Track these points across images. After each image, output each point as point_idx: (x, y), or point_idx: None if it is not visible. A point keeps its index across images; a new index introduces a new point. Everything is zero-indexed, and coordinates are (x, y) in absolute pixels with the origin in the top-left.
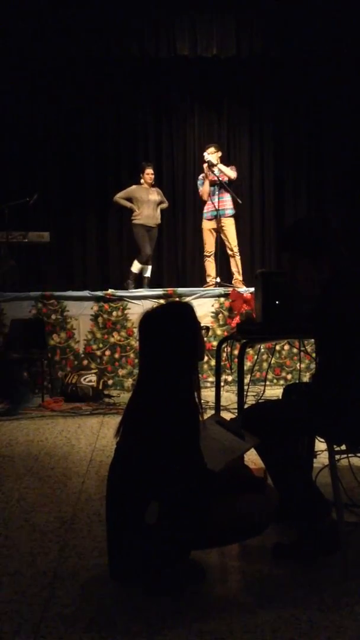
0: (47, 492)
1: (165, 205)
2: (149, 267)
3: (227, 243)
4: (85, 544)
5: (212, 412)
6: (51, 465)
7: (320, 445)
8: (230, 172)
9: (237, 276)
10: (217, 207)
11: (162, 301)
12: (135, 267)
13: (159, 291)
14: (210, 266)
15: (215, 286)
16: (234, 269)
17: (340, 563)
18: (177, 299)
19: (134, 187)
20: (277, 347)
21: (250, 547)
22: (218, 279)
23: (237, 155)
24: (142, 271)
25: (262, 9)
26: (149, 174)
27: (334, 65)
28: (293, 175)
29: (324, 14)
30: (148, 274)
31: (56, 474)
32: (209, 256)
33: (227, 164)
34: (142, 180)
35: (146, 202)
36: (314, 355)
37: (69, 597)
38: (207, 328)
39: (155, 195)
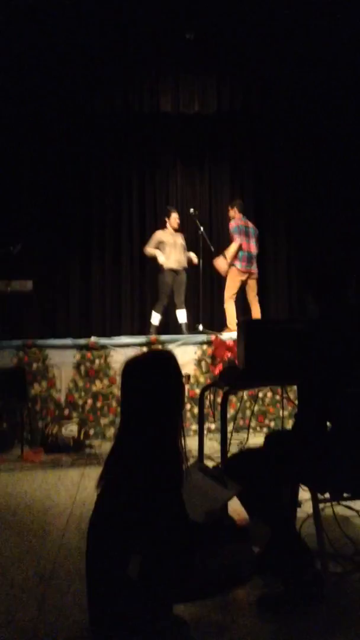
0: (26, 547)
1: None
2: (184, 312)
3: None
4: (65, 600)
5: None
6: (30, 518)
7: (304, 494)
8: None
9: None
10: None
11: (145, 349)
12: (155, 318)
13: (141, 338)
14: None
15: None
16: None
17: (325, 615)
18: (160, 346)
19: (159, 232)
20: (260, 395)
21: (234, 599)
22: (201, 326)
23: (219, 209)
24: (173, 318)
25: (242, 67)
26: (175, 218)
27: (314, 121)
28: (273, 229)
29: (305, 71)
30: (184, 319)
31: (35, 528)
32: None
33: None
34: (167, 225)
35: (173, 245)
36: (296, 402)
37: None
38: (188, 376)
39: (181, 238)
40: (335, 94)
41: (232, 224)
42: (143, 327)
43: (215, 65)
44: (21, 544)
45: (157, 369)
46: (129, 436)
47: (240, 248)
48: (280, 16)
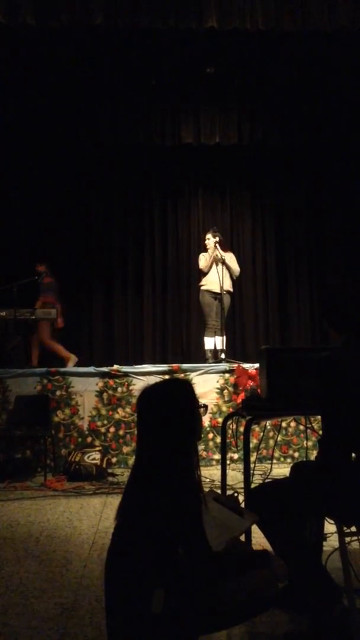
0: (48, 577)
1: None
2: (220, 338)
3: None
4: (87, 632)
5: (218, 491)
6: (52, 548)
7: (329, 527)
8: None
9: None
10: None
11: (166, 377)
12: (206, 342)
13: (163, 367)
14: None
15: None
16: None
17: None
18: (182, 375)
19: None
20: (284, 424)
21: (259, 634)
22: (223, 355)
23: (240, 238)
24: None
25: (262, 99)
26: (207, 239)
27: (332, 152)
28: (295, 256)
29: (323, 103)
30: (219, 345)
31: (57, 557)
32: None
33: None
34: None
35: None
36: (320, 432)
37: None
38: (205, 406)
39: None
40: (356, 124)
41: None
42: (165, 355)
43: (235, 98)
44: (43, 574)
45: (171, 397)
46: (145, 465)
47: None
48: (300, 49)
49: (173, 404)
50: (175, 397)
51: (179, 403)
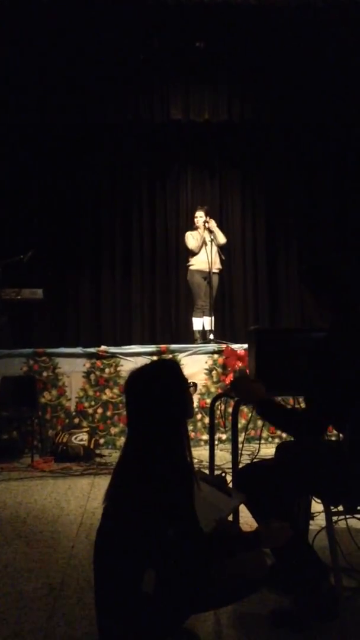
0: (36, 557)
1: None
2: (208, 319)
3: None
4: (75, 612)
5: (206, 471)
6: (40, 528)
7: (317, 506)
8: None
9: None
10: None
11: (155, 358)
12: (195, 322)
13: (151, 348)
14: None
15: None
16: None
17: (339, 630)
18: (170, 356)
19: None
20: None
21: (247, 614)
22: (212, 335)
23: (230, 217)
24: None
25: (253, 76)
26: (196, 217)
27: (324, 129)
28: (285, 235)
29: (316, 81)
30: (207, 326)
31: (45, 538)
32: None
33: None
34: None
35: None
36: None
37: None
38: (195, 384)
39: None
40: (347, 104)
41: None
42: (153, 335)
43: (225, 74)
44: (31, 554)
45: (160, 378)
46: (136, 447)
47: None
48: (291, 25)
49: (162, 386)
50: (164, 379)
51: (168, 385)
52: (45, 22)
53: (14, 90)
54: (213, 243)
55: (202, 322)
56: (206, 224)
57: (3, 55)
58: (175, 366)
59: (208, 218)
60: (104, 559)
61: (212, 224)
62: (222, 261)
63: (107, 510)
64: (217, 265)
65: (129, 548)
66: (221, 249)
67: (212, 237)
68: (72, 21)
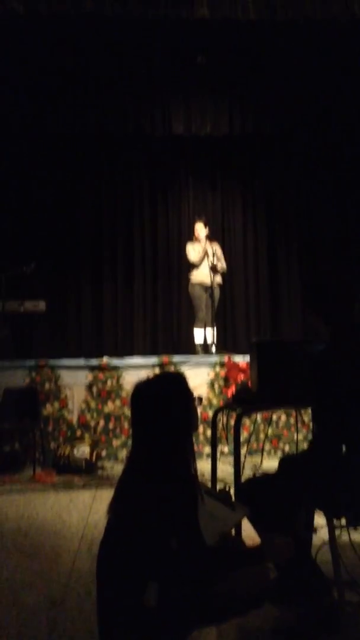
0: (37, 571)
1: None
2: (210, 331)
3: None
4: (77, 625)
5: (209, 484)
6: (41, 541)
7: (319, 520)
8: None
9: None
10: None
11: (157, 370)
12: (196, 334)
13: (154, 359)
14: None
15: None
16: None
17: None
18: (173, 368)
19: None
20: (274, 417)
21: (249, 628)
22: (214, 348)
23: (231, 228)
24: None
25: (254, 89)
26: (196, 229)
27: (323, 140)
28: (286, 247)
29: (315, 93)
30: (209, 338)
31: (46, 551)
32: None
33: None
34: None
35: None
36: (311, 425)
37: None
38: (200, 398)
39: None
40: (347, 116)
41: None
42: (155, 347)
43: (226, 88)
44: (32, 567)
45: (166, 391)
46: (140, 459)
47: None
48: (291, 40)
49: (167, 400)
50: (170, 393)
51: (173, 399)
52: (47, 35)
53: (15, 103)
54: (214, 259)
55: (203, 334)
56: (208, 238)
57: (5, 68)
58: (181, 379)
59: (214, 245)
60: (106, 572)
61: (218, 251)
62: (222, 276)
63: (111, 523)
64: (217, 280)
65: (131, 560)
66: (220, 274)
67: (215, 261)
68: (73, 35)
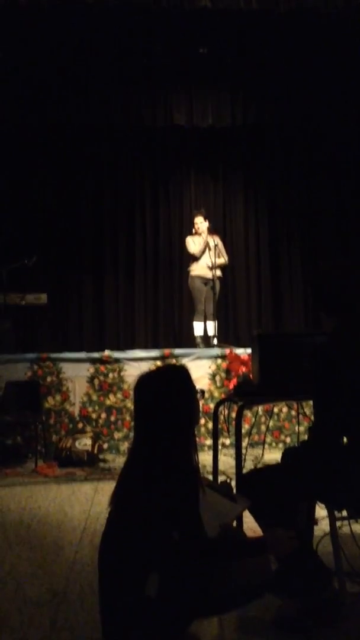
0: (39, 562)
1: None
2: (212, 324)
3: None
4: (78, 617)
5: (210, 477)
6: (43, 534)
7: (320, 511)
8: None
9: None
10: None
11: (158, 362)
12: (196, 327)
13: (155, 352)
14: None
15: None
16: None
17: (343, 635)
18: (174, 360)
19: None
20: (275, 410)
21: (250, 619)
22: (215, 341)
23: (233, 220)
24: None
25: (256, 81)
26: (195, 222)
27: (326, 133)
28: (288, 239)
29: (317, 85)
30: (210, 331)
31: (48, 543)
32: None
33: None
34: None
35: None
36: (312, 418)
37: None
38: (202, 391)
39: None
40: (350, 108)
41: None
42: (156, 340)
43: (228, 79)
44: (34, 559)
45: (169, 384)
46: (143, 451)
47: None
48: (294, 31)
49: (170, 392)
50: (173, 386)
51: (176, 391)
52: (49, 26)
53: (16, 94)
54: (216, 251)
55: (203, 327)
56: (210, 230)
57: (5, 59)
58: (184, 372)
59: (215, 237)
60: (108, 563)
61: (219, 243)
62: (223, 269)
63: (112, 515)
64: (218, 273)
65: (133, 551)
66: (221, 268)
67: (217, 252)
68: (75, 26)
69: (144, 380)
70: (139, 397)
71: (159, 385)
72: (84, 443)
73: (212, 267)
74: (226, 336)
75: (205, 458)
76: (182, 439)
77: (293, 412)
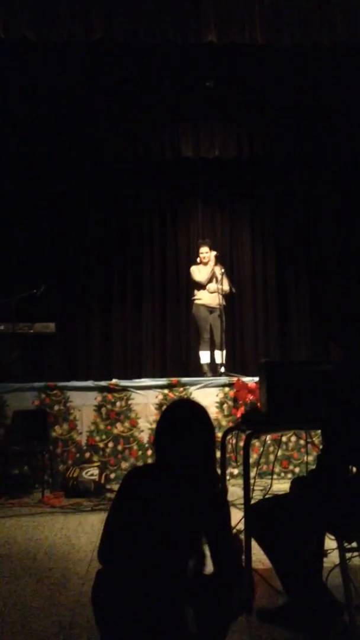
0: (46, 595)
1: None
2: (219, 353)
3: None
4: None
5: None
6: (50, 565)
7: (330, 543)
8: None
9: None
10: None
11: (166, 391)
12: (202, 356)
13: (162, 381)
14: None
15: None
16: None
17: None
18: (181, 389)
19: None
20: (284, 439)
21: None
22: (223, 369)
23: (239, 250)
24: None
25: (262, 113)
26: (201, 252)
27: (332, 163)
28: (294, 268)
29: (323, 116)
30: (218, 359)
31: (55, 575)
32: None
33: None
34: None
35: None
36: (321, 447)
37: None
38: None
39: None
40: (356, 140)
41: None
42: (164, 369)
43: (234, 111)
44: (41, 592)
45: (201, 408)
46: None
47: None
48: (298, 64)
49: (203, 415)
50: (204, 411)
51: (207, 416)
52: (58, 61)
53: (26, 127)
54: (223, 278)
55: (209, 355)
56: (217, 258)
57: (17, 93)
58: (205, 410)
59: (219, 266)
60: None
61: (218, 273)
62: (226, 298)
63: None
64: (222, 302)
65: (165, 588)
66: (226, 296)
67: (222, 281)
68: (85, 61)
69: (179, 403)
70: (172, 417)
71: (193, 407)
72: (91, 473)
73: (221, 293)
74: (233, 364)
75: None
76: (208, 462)
77: (302, 442)
